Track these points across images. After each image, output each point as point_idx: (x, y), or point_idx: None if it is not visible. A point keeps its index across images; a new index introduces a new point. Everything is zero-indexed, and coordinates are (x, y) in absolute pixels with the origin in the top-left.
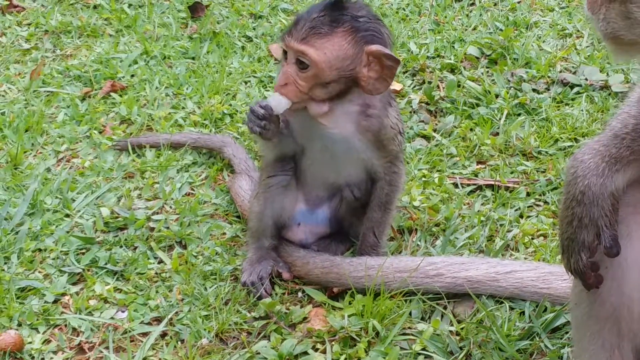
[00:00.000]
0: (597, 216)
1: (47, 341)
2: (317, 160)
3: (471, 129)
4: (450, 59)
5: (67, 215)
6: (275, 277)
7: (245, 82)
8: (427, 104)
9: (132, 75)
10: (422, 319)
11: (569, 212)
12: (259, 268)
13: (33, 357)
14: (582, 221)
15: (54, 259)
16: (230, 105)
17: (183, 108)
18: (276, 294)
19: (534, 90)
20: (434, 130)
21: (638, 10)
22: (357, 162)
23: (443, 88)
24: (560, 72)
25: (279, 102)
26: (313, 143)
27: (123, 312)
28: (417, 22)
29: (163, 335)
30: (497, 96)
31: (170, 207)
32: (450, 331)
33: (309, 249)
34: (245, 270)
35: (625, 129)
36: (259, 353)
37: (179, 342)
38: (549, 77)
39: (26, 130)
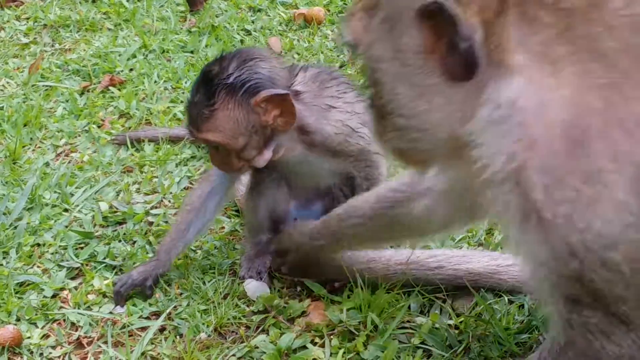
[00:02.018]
0: None
1: (45, 336)
2: (294, 175)
3: None
4: None
5: (66, 210)
6: (274, 271)
7: None
8: None
9: (131, 69)
10: (421, 312)
11: None
12: (257, 263)
13: (32, 352)
14: None
15: (52, 253)
16: None
17: (182, 102)
18: (275, 288)
19: None
20: None
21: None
22: (327, 171)
23: None
24: None
25: (256, 288)
26: (281, 169)
27: (122, 306)
28: None
29: (162, 329)
30: None
31: (169, 201)
32: (449, 325)
33: None
34: (244, 265)
35: None
36: (257, 347)
37: (178, 337)
38: None
39: (25, 125)
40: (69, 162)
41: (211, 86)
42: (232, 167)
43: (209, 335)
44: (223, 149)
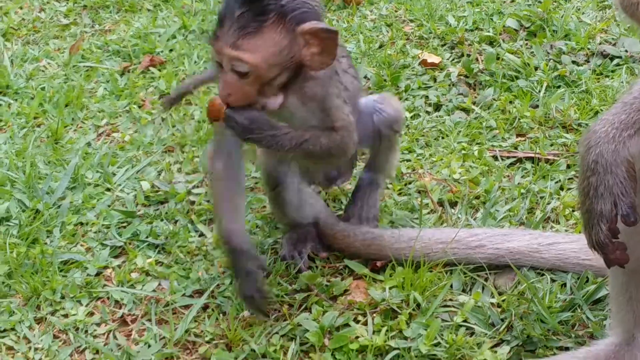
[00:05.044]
0: (612, 184)
1: (90, 313)
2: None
3: (510, 102)
4: (488, 32)
5: (108, 189)
6: (314, 253)
7: None
8: (466, 76)
9: (171, 50)
10: (463, 291)
11: (585, 184)
12: (298, 244)
13: (77, 329)
14: (598, 190)
15: (95, 232)
16: None
17: None
18: (317, 267)
19: (573, 62)
20: (473, 103)
21: None
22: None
23: (482, 61)
24: (600, 44)
25: None
26: None
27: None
28: None
29: (205, 307)
30: (536, 68)
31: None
32: (492, 303)
33: (349, 221)
34: (285, 246)
35: (633, 95)
36: (300, 325)
37: (221, 315)
38: (588, 49)
39: (66, 105)
40: (111, 142)
41: (262, 4)
42: (245, 100)
43: (252, 314)
44: (249, 77)
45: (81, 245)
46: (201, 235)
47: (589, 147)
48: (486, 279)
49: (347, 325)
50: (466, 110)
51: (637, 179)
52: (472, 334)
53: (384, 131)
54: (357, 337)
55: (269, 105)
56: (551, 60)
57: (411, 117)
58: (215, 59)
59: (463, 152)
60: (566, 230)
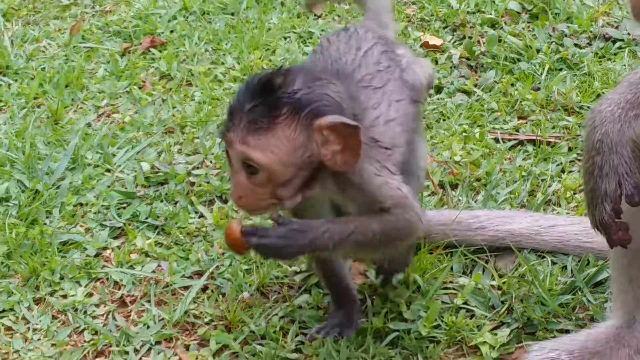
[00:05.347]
0: (617, 164)
1: (89, 294)
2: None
3: (512, 84)
4: (490, 14)
5: (108, 170)
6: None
7: (285, 38)
8: (468, 59)
9: (172, 31)
10: (464, 273)
11: (589, 163)
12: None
13: (76, 310)
14: (603, 170)
15: (95, 213)
16: (270, 60)
17: (222, 63)
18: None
19: (575, 45)
20: (475, 86)
21: None
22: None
23: (484, 43)
24: (603, 26)
25: None
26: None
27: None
28: None
29: (204, 289)
30: (538, 51)
31: (211, 162)
32: (492, 285)
33: None
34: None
35: (638, 75)
36: (300, 307)
37: (220, 296)
38: (591, 31)
39: (66, 86)
40: (111, 123)
41: (274, 97)
42: (258, 204)
43: (252, 295)
44: (260, 177)
45: (80, 226)
46: (201, 216)
47: (594, 126)
48: (487, 261)
49: None
50: (468, 93)
51: None
52: (472, 316)
53: None
54: None
55: (288, 205)
56: (553, 43)
57: None
58: (226, 155)
59: (464, 134)
60: (567, 213)
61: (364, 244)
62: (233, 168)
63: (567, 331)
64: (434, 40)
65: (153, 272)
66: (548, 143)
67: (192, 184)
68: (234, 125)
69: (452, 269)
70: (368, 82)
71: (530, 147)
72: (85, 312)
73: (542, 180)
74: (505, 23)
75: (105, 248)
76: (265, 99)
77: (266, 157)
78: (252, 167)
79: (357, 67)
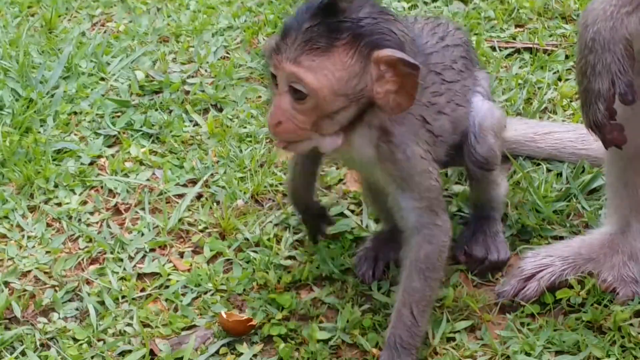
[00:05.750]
0: (610, 62)
1: (84, 202)
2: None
3: None
4: None
5: (102, 79)
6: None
7: None
8: None
9: None
10: (458, 181)
11: (582, 62)
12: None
13: (71, 218)
14: (596, 69)
15: (89, 121)
16: None
17: None
18: None
19: None
20: None
21: None
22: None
23: None
24: None
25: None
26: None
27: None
28: None
29: (198, 196)
30: None
31: (206, 71)
32: None
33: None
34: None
35: None
36: (294, 214)
37: (215, 204)
38: None
39: None
40: (105, 32)
41: (337, 19)
42: (296, 134)
43: (246, 202)
44: (306, 103)
45: (75, 135)
46: (195, 124)
47: (586, 24)
48: None
49: (342, 215)
50: (464, 1)
51: (636, 57)
52: (466, 223)
53: (472, 169)
54: (352, 229)
55: (324, 147)
56: None
57: (409, 8)
58: (271, 77)
59: None
60: (563, 120)
61: (433, 294)
62: (278, 90)
63: (561, 238)
64: None
65: (147, 180)
66: (545, 51)
67: (187, 92)
68: (287, 43)
69: (446, 175)
70: (440, 70)
71: (527, 55)
72: (79, 220)
73: (539, 88)
74: None
75: (99, 156)
76: (327, 20)
77: (318, 81)
78: (300, 91)
79: (434, 53)
